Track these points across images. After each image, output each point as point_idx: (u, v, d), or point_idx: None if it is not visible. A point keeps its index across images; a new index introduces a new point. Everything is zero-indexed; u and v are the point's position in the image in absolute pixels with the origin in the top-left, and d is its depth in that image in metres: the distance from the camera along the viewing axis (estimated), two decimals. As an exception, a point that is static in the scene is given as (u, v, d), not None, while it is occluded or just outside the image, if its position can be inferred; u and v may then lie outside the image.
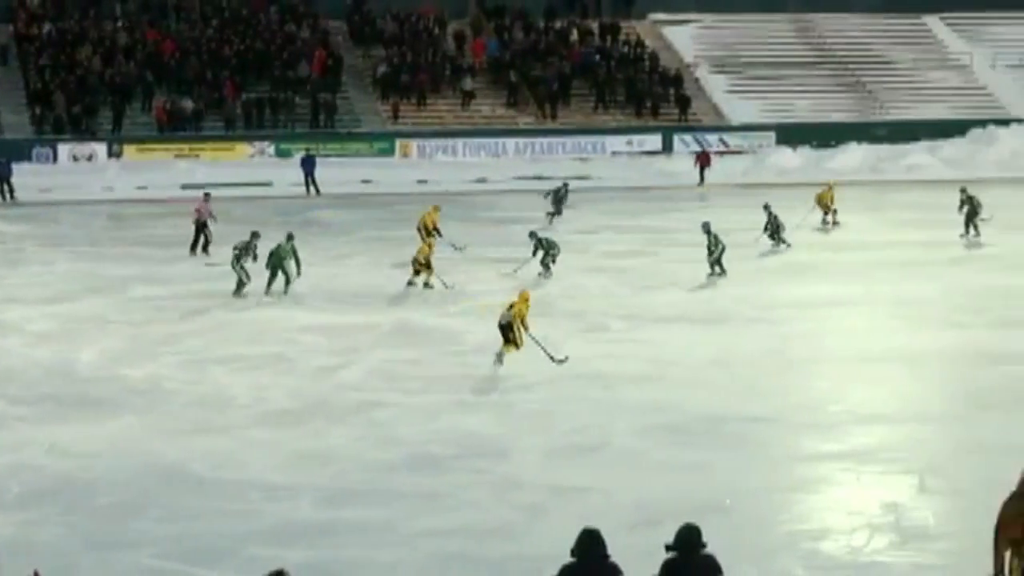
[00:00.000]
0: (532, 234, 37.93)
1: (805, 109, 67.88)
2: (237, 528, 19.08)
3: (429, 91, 65.41)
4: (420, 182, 57.47)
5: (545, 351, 27.81)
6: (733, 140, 64.95)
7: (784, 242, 41.10)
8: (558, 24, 70.27)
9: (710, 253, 36.69)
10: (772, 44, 72.44)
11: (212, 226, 41.03)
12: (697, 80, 69.01)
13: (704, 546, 13.25)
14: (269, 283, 34.84)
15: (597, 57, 68.34)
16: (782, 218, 41.30)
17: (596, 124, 65.60)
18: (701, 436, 23.22)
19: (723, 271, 36.76)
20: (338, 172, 57.10)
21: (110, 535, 18.93)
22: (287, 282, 34.97)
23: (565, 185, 48.29)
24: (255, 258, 35.20)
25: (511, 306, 28.27)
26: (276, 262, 34.84)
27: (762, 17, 73.29)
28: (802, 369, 28.13)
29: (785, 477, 21.34)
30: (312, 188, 55.16)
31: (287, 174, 56.49)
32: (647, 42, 70.65)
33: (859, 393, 26.07)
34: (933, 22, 74.79)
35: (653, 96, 66.50)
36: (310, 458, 22.16)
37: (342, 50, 67.22)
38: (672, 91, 67.00)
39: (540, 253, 37.28)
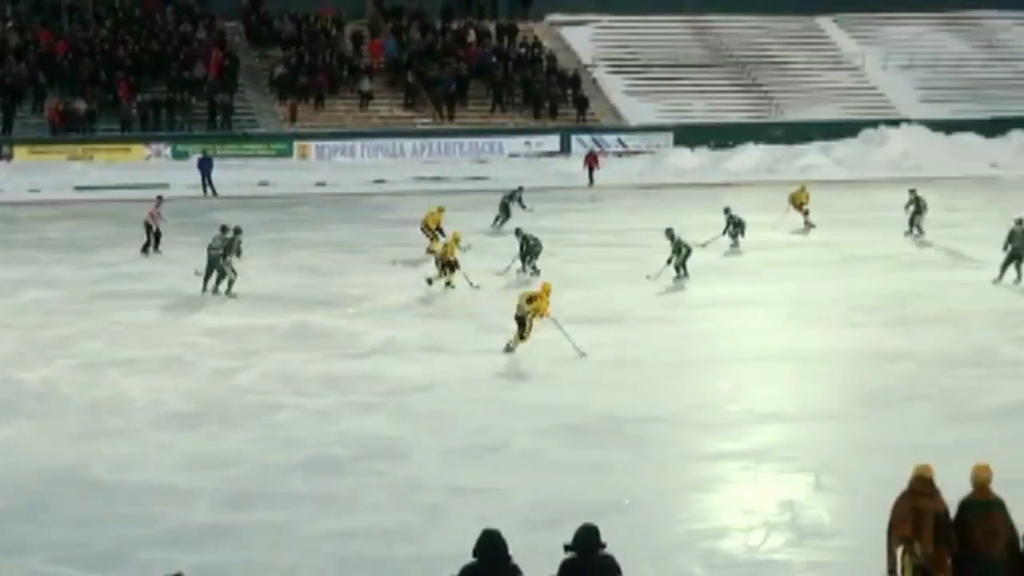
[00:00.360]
0: (518, 231, 38.10)
1: (702, 110, 68.31)
2: (133, 532, 18.88)
3: (327, 92, 65.20)
4: (319, 184, 57.30)
5: (571, 341, 28.32)
6: (631, 141, 65.24)
7: (738, 244, 41.37)
8: (455, 25, 70.31)
9: (675, 256, 36.54)
10: (669, 45, 72.86)
11: (163, 228, 40.96)
12: (595, 81, 69.26)
13: (603, 546, 13.29)
14: (205, 280, 34.76)
15: (494, 58, 68.40)
16: (739, 220, 41.50)
17: (494, 125, 65.64)
18: (600, 436, 23.28)
19: (686, 274, 36.73)
20: (236, 174, 56.81)
21: (3, 540, 18.68)
22: (229, 281, 34.76)
23: (520, 188, 48.16)
24: (239, 254, 35.03)
25: (530, 299, 28.73)
26: (215, 255, 34.79)
27: (659, 18, 73.74)
28: (701, 369, 28.29)
29: (683, 476, 21.45)
30: (209, 190, 54.83)
31: (184, 176, 56.08)
32: (544, 43, 70.84)
33: (757, 392, 26.26)
34: (826, 23, 75.60)
35: (551, 97, 66.65)
36: (208, 461, 22.01)
37: (239, 51, 66.89)
38: (570, 92, 67.20)
39: (524, 250, 37.43)
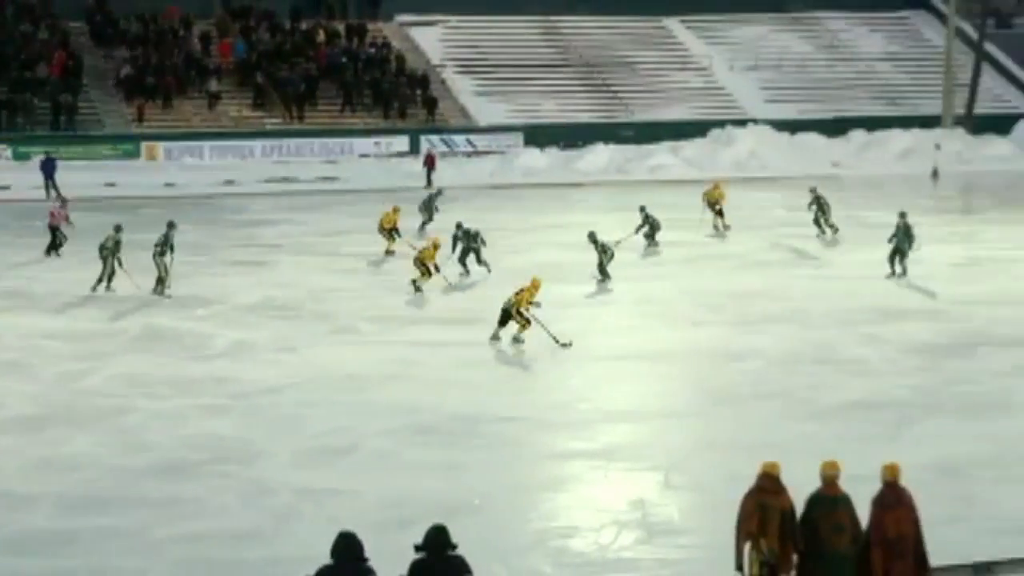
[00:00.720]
0: (458, 225, 38.11)
1: (552, 110, 68.53)
2: (-26, 539, 18.61)
3: (175, 93, 64.53)
4: (167, 185, 56.68)
5: (550, 334, 28.69)
6: (481, 141, 65.29)
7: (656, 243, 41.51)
8: (304, 25, 69.93)
9: (601, 260, 36.61)
10: (518, 46, 73.06)
11: (67, 230, 40.56)
12: (444, 82, 69.25)
13: (454, 547, 13.34)
14: (101, 277, 34.50)
15: (344, 58, 68.13)
16: (656, 219, 41.58)
17: (344, 126, 65.37)
18: (452, 436, 23.33)
19: (608, 277, 36.77)
20: (81, 175, 55.92)
21: None
22: (159, 279, 34.65)
23: (439, 191, 47.90)
24: (172, 249, 34.64)
25: (519, 291, 29.37)
26: (106, 254, 34.42)
27: (508, 19, 73.92)
28: (552, 368, 28.43)
29: (535, 476, 21.55)
30: (53, 191, 54.00)
31: (26, 177, 55.18)
32: (394, 43, 70.70)
33: (607, 391, 26.46)
34: (674, 24, 76.26)
35: (400, 98, 66.54)
36: (53, 465, 21.71)
37: (84, 51, 65.91)
38: (419, 93, 67.14)
39: (460, 247, 37.60)
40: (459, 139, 65.15)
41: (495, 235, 40.13)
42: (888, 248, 36.61)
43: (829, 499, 15.36)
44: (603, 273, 36.53)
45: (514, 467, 21.87)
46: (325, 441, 23.08)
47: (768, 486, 15.60)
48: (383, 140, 64.50)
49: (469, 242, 37.74)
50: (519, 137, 65.48)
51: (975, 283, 36.16)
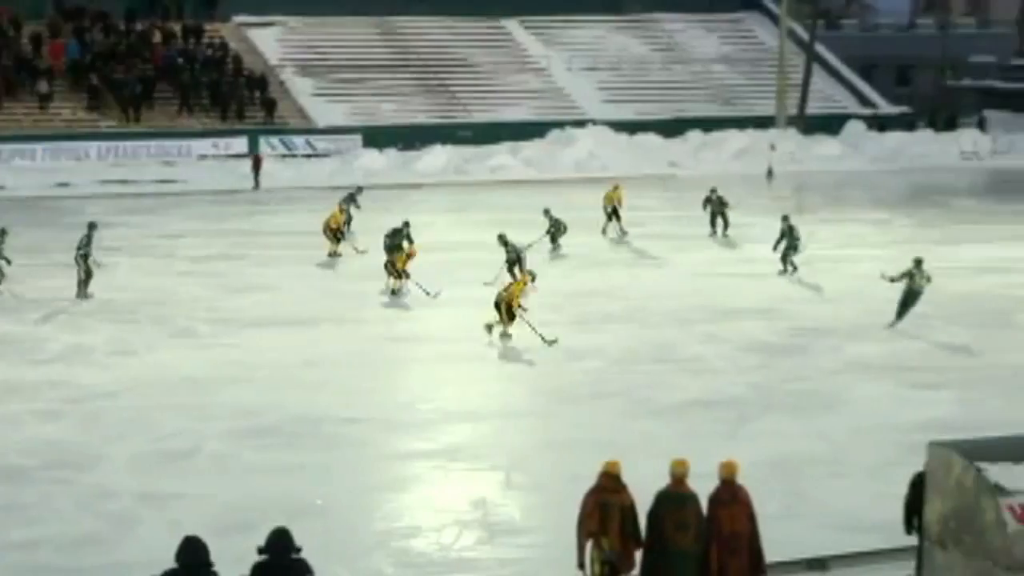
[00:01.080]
0: (406, 223, 37.94)
1: (391, 111, 68.51)
2: None
3: (4, 95, 63.42)
4: (-2, 187, 55.77)
5: (535, 331, 29.13)
6: (320, 143, 65.06)
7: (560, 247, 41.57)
8: (140, 26, 69.16)
9: (509, 261, 36.50)
10: (356, 47, 72.94)
11: None
12: (283, 83, 68.90)
13: (297, 549, 13.33)
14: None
15: (180, 59, 67.50)
16: (562, 223, 41.66)
17: (181, 127, 64.77)
18: (293, 438, 23.24)
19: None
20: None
21: None
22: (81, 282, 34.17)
23: (359, 188, 47.42)
24: (91, 252, 34.34)
25: (508, 286, 30.21)
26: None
27: (346, 20, 73.78)
28: (394, 369, 28.43)
29: (377, 477, 21.56)
30: None
31: None
32: (231, 44, 70.22)
33: (448, 392, 26.51)
34: (512, 25, 76.62)
35: (238, 99, 66.08)
36: None
37: (-91, 51, 64.67)
38: (258, 94, 66.73)
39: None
40: (298, 140, 64.86)
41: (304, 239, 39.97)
42: (779, 250, 37.54)
43: (676, 496, 15.54)
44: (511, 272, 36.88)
45: (356, 468, 21.84)
46: (165, 445, 22.87)
47: (608, 485, 15.76)
48: (221, 141, 63.97)
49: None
50: (358, 138, 65.35)
51: (808, 281, 36.78)
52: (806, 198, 58.10)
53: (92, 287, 34.41)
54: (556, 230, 41.63)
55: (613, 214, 44.76)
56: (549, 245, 41.37)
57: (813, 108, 72.33)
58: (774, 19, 76.97)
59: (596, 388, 26.49)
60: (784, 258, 37.61)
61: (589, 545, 15.77)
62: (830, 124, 71.10)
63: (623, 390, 26.33)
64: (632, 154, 64.94)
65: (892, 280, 31.16)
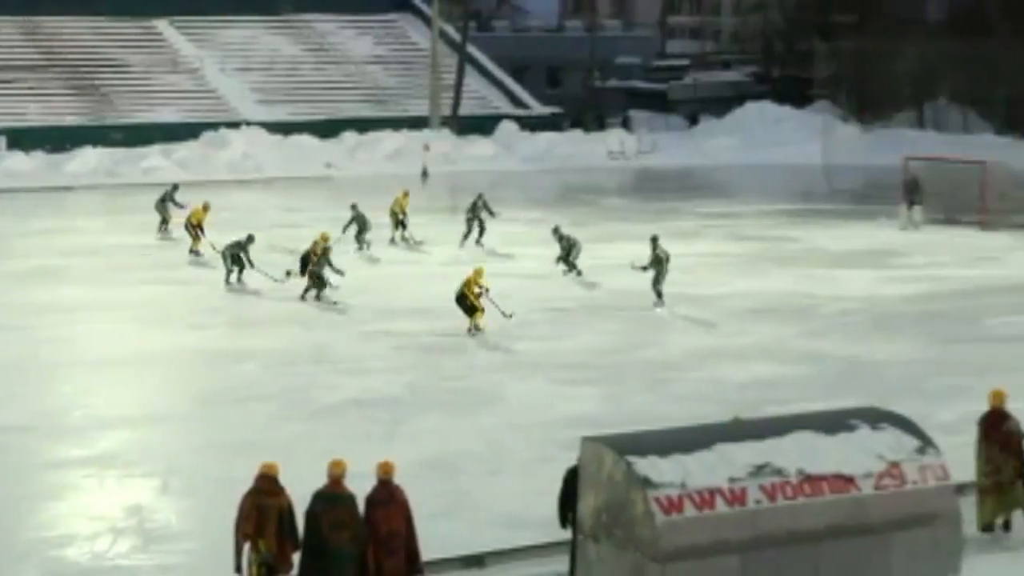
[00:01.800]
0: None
1: (37, 113, 66.79)
2: None
3: None
4: None
5: (497, 307, 30.69)
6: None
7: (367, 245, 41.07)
8: None
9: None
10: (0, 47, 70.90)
11: None
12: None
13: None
14: None
15: None
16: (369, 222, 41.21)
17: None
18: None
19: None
20: None
21: None
22: None
23: (175, 186, 45.51)
24: None
25: (466, 281, 30.91)
26: None
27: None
28: (48, 374, 27.80)
29: (29, 485, 21.03)
30: None
31: None
32: None
33: (103, 397, 26.08)
34: (163, 26, 75.52)
35: None
36: None
37: None
38: None
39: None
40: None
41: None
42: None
43: (332, 496, 15.61)
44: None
45: (6, 477, 21.30)
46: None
47: (265, 487, 15.75)
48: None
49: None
50: (2, 140, 63.38)
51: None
52: (460, 199, 58.73)
53: None
54: (361, 227, 41.23)
55: (400, 223, 44.00)
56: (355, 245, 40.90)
57: (466, 109, 73.12)
58: (427, 20, 77.51)
59: (252, 391, 26.39)
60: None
61: (246, 548, 15.72)
62: (483, 125, 71.96)
63: (280, 391, 26.30)
64: (287, 155, 64.70)
65: (644, 269, 33.29)
